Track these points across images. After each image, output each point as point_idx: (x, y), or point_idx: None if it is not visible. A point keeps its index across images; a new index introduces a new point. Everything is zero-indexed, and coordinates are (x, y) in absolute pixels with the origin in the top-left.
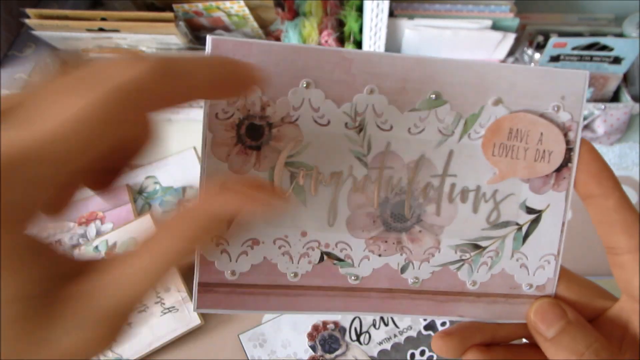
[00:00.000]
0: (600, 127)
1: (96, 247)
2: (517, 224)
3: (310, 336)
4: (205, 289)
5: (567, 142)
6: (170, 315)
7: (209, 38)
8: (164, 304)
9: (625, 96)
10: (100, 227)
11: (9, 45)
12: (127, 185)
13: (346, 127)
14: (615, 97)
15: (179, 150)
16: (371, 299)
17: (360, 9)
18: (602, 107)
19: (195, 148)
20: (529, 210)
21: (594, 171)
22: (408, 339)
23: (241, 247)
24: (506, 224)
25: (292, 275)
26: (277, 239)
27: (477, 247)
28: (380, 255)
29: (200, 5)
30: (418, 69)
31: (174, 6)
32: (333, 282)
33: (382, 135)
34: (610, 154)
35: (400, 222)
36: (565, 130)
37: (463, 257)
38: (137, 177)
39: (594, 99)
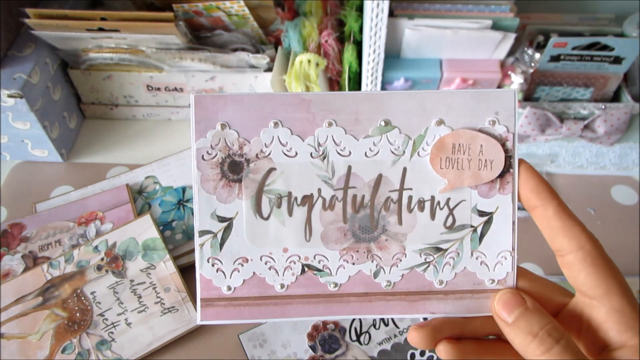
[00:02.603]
0: (600, 127)
1: (96, 247)
2: (472, 226)
3: (310, 336)
4: (207, 304)
5: (506, 151)
6: (170, 316)
7: (192, 96)
8: (164, 304)
9: (626, 96)
10: (100, 227)
11: (9, 45)
12: (127, 185)
13: (311, 157)
14: (615, 97)
15: (179, 150)
16: (350, 303)
17: (360, 9)
18: (603, 107)
19: None
20: (481, 213)
21: (532, 186)
22: None
23: (233, 265)
24: (462, 227)
25: (279, 286)
26: (263, 256)
27: (438, 249)
28: (354, 264)
29: (200, 5)
30: (367, 102)
31: (174, 6)
32: (315, 290)
33: (343, 160)
34: (610, 154)
35: (367, 233)
36: (502, 141)
37: (427, 260)
38: (137, 177)
39: (594, 99)
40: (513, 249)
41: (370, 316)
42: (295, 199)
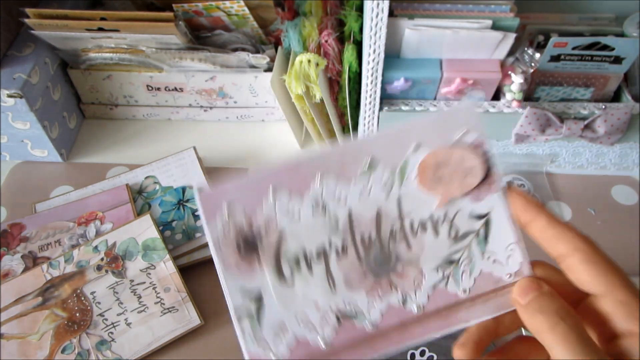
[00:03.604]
0: (600, 127)
1: (95, 247)
2: (474, 230)
3: None
4: None
5: (483, 154)
6: (170, 316)
7: (195, 190)
8: (164, 304)
9: (626, 96)
10: (100, 227)
11: (8, 45)
12: (127, 185)
13: (313, 214)
14: (615, 97)
15: (179, 150)
16: (390, 337)
17: (360, 9)
18: (603, 107)
19: (195, 148)
20: (478, 217)
21: (521, 206)
22: None
23: (275, 337)
24: (466, 235)
25: (323, 343)
26: (298, 319)
27: (451, 262)
28: (381, 299)
29: (200, 5)
30: (348, 148)
31: (174, 6)
32: (356, 336)
33: (342, 207)
34: (610, 153)
35: (384, 267)
36: (477, 147)
37: (445, 274)
38: (136, 177)
39: (595, 99)
40: (518, 240)
41: (412, 343)
42: (311, 256)
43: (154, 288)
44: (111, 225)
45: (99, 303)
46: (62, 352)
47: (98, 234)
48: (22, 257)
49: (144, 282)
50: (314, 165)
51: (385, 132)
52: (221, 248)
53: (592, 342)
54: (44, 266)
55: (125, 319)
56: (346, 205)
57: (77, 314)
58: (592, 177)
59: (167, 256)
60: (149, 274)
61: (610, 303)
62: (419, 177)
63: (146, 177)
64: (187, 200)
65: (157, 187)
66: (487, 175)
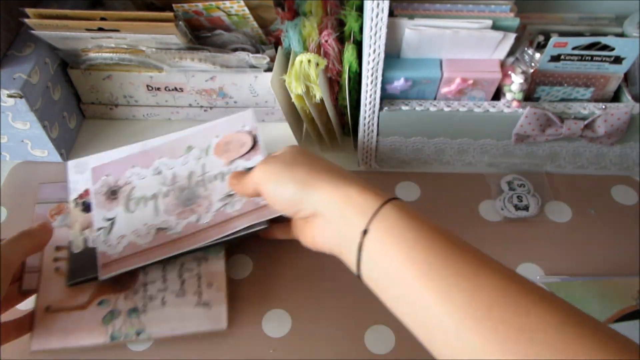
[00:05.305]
0: (600, 127)
1: None
2: None
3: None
4: (105, 265)
5: (253, 135)
6: (202, 310)
7: (90, 168)
8: (201, 297)
9: (626, 96)
10: None
11: (8, 45)
12: None
13: (152, 174)
14: (615, 97)
15: None
16: (187, 241)
17: (360, 9)
18: (603, 107)
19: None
20: (249, 169)
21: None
22: None
23: (116, 240)
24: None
25: (145, 244)
26: (133, 232)
27: (230, 195)
28: (184, 219)
29: (200, 5)
30: (177, 140)
31: (174, 6)
32: (166, 239)
33: (170, 172)
34: (610, 153)
35: (189, 201)
36: (250, 133)
37: (224, 202)
38: None
39: (595, 99)
40: None
41: (202, 244)
42: (147, 197)
43: (198, 278)
44: None
45: (147, 273)
46: (99, 304)
47: None
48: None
49: (192, 270)
50: (157, 150)
51: (199, 128)
52: (99, 197)
53: None
54: None
55: (162, 297)
56: (172, 170)
57: (127, 274)
58: (592, 177)
59: (222, 254)
60: (200, 264)
61: None
62: (215, 150)
63: None
64: None
65: None
66: (254, 146)
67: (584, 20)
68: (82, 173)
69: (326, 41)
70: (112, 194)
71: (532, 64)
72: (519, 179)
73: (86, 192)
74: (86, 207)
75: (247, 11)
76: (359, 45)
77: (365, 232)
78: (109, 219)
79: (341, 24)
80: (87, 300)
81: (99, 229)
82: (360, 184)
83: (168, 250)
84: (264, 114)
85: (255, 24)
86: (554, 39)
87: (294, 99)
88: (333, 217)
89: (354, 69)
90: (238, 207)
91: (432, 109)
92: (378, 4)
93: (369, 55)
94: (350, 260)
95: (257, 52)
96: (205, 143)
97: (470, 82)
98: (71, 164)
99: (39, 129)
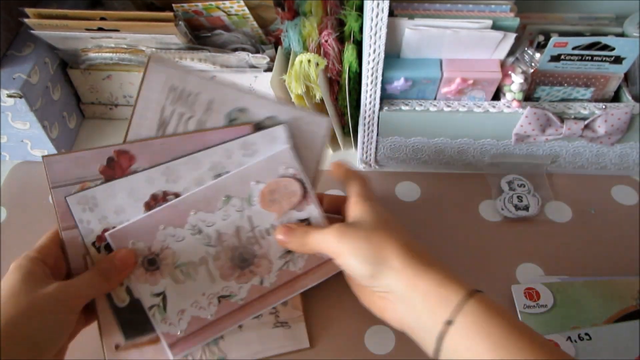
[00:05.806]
0: (601, 127)
1: None
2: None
3: (148, 205)
4: (172, 345)
5: (299, 181)
6: (281, 330)
7: (107, 236)
8: (278, 316)
9: (626, 96)
10: None
11: (8, 45)
12: None
13: (192, 235)
14: (615, 97)
15: None
16: (255, 305)
17: (360, 9)
18: (603, 107)
19: None
20: (302, 221)
21: (343, 172)
22: None
23: (177, 317)
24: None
25: (210, 316)
26: (192, 304)
27: (289, 252)
28: (246, 283)
29: (200, 5)
30: (209, 191)
31: (174, 6)
32: (232, 308)
33: (211, 229)
34: (610, 153)
35: (245, 263)
36: (295, 177)
37: (286, 260)
38: None
39: (595, 99)
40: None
41: (271, 306)
42: (195, 263)
43: None
44: None
45: None
46: None
47: None
48: None
49: None
50: (188, 204)
51: (233, 174)
52: (135, 270)
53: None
54: None
55: None
56: (213, 227)
57: None
58: (592, 177)
59: None
60: None
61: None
62: (260, 201)
63: None
64: None
65: None
66: (304, 194)
67: (584, 20)
68: (92, 210)
69: (326, 41)
70: (150, 264)
71: (532, 64)
72: (519, 179)
73: (104, 232)
74: (111, 250)
75: (247, 11)
76: (359, 45)
77: (449, 322)
78: (158, 294)
79: (341, 24)
80: (157, 334)
81: (151, 307)
82: (441, 271)
83: (238, 319)
84: None
85: (255, 23)
86: (554, 38)
87: (294, 99)
88: (412, 301)
89: (354, 69)
90: (301, 265)
91: (432, 109)
92: (378, 4)
93: (369, 55)
94: (425, 345)
95: (257, 52)
96: (244, 191)
97: (470, 82)
98: (72, 200)
99: (38, 129)
